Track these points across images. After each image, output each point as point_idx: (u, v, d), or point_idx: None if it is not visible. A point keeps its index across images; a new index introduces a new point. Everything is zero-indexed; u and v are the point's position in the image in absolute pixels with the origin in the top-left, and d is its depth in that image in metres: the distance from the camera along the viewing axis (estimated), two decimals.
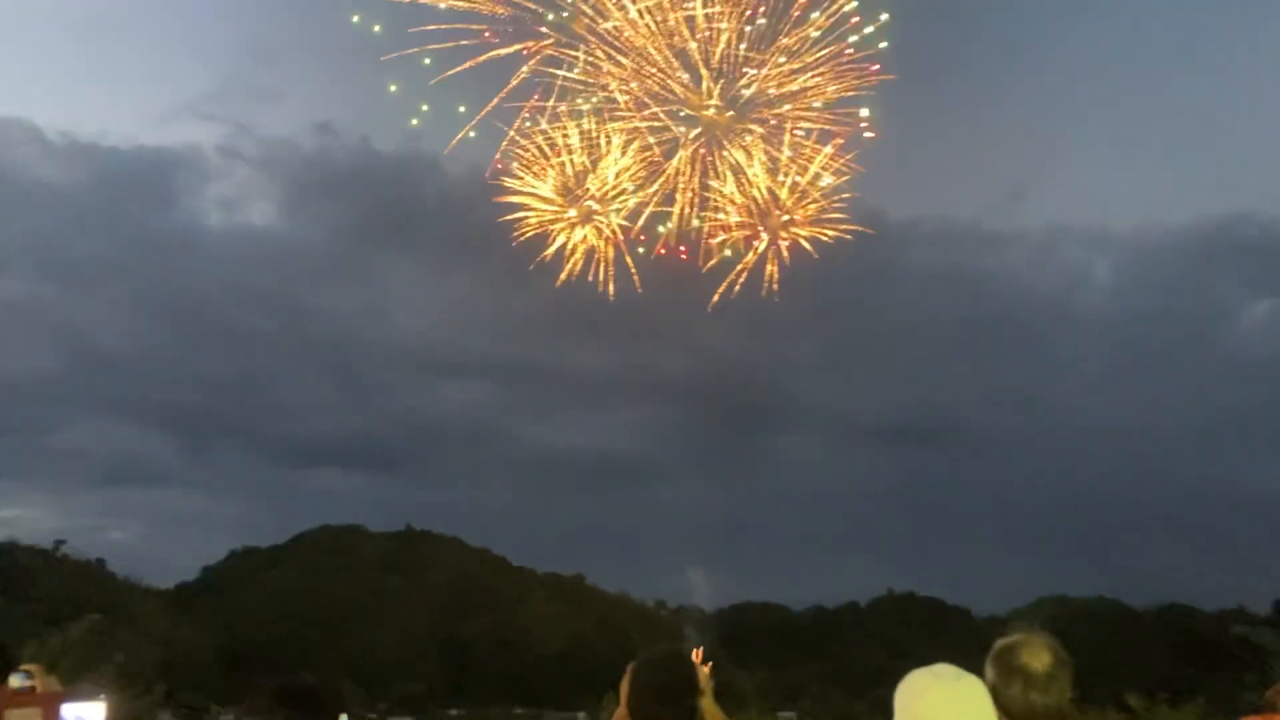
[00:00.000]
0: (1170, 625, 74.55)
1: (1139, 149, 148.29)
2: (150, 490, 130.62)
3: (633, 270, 15.02)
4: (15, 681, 6.19)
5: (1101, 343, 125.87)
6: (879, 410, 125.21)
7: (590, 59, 13.54)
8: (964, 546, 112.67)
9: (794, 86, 14.09)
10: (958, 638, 65.50)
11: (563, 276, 14.92)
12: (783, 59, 13.72)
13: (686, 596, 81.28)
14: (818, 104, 14.14)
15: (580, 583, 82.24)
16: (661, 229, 14.40)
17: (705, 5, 13.31)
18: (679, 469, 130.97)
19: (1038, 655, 3.12)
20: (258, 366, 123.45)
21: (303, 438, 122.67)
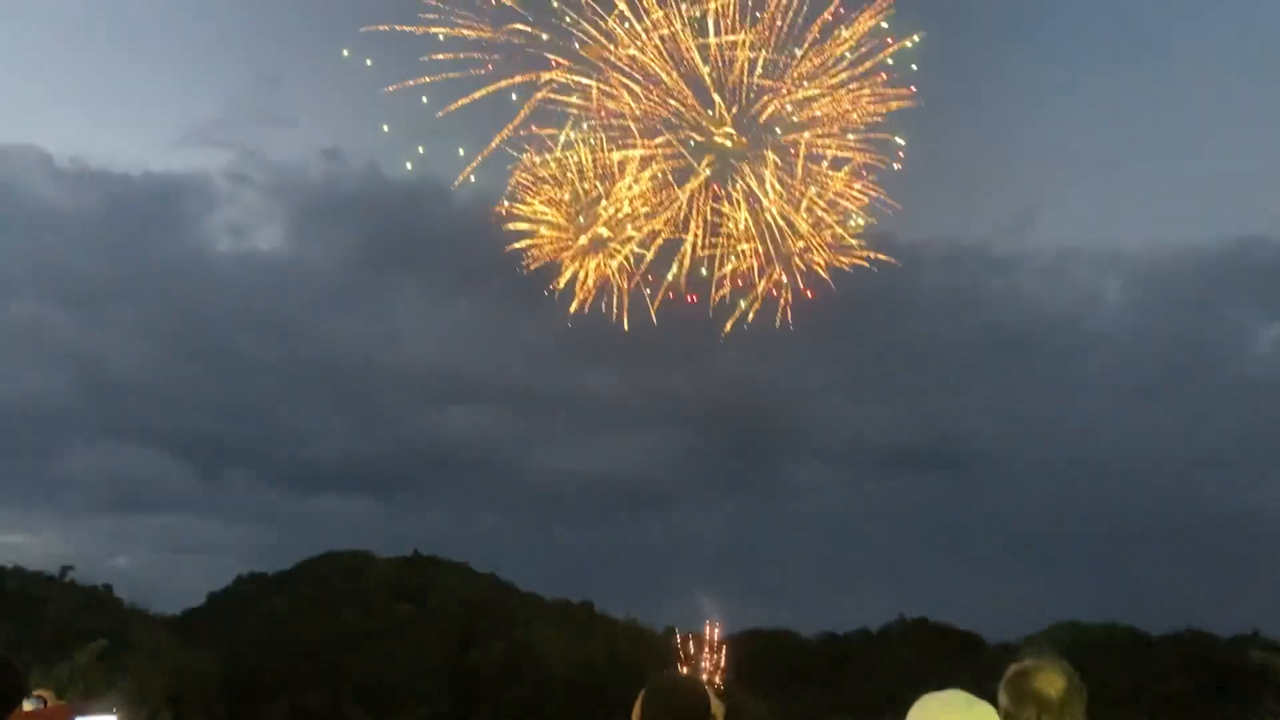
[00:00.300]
0: (1185, 651, 73.62)
1: (1149, 170, 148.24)
2: (157, 516, 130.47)
3: (648, 303, 15.02)
4: (28, 706, 6.20)
5: (1113, 365, 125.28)
6: (888, 434, 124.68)
7: (603, 87, 13.59)
8: (976, 571, 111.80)
9: (816, 112, 14.09)
10: (970, 664, 64.87)
11: (574, 307, 14.95)
12: (806, 83, 13.71)
13: (697, 623, 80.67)
14: (849, 135, 14.10)
15: (589, 609, 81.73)
16: (669, 276, 14.42)
17: (720, 33, 13.34)
18: (688, 495, 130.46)
19: (1051, 681, 3.10)
20: (266, 392, 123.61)
21: (310, 463, 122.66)
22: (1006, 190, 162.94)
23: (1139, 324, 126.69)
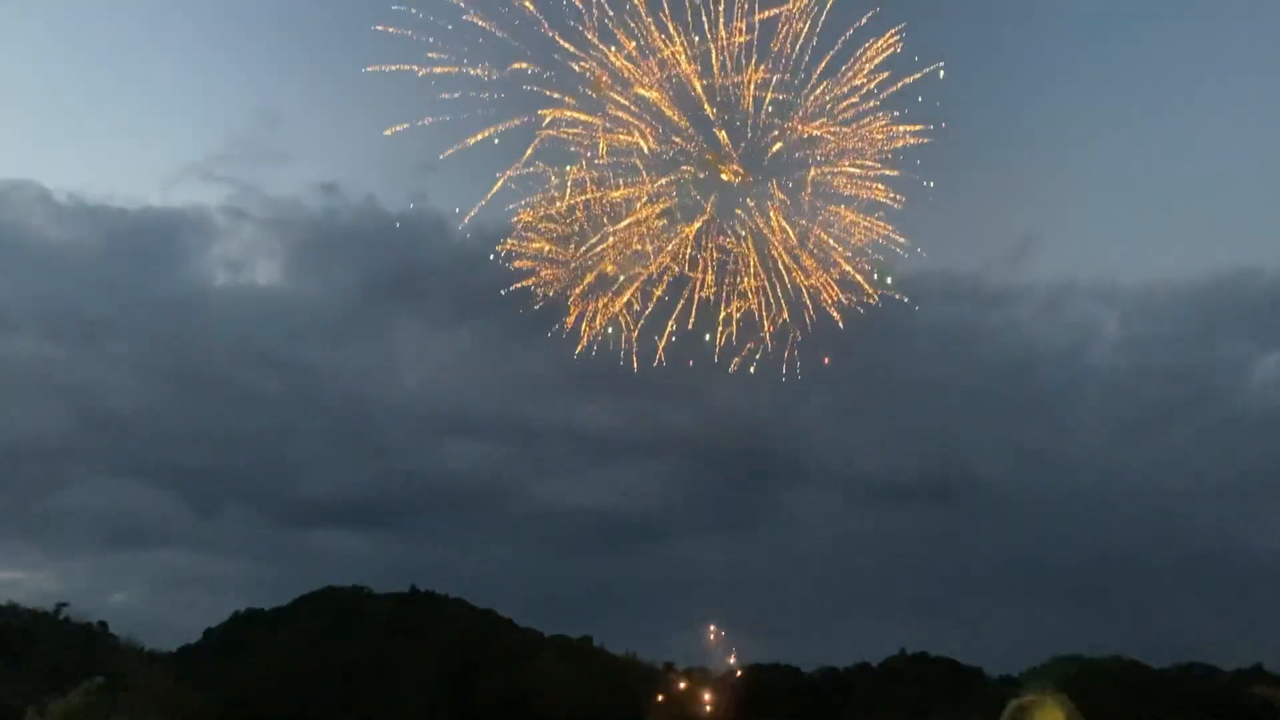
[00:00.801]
0: (1188, 685, 73.19)
1: (1146, 202, 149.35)
2: (153, 551, 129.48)
3: (655, 341, 15.08)
4: None
5: (1111, 398, 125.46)
6: (888, 467, 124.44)
7: (607, 125, 13.75)
8: (976, 605, 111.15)
9: (825, 148, 14.20)
10: (971, 698, 64.43)
11: (581, 347, 15.01)
12: (821, 117, 13.83)
13: (697, 658, 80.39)
14: (859, 171, 14.20)
15: (588, 644, 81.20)
16: (675, 314, 14.44)
17: (727, 70, 13.48)
18: (687, 528, 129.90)
19: (1051, 715, 3.22)
20: (263, 426, 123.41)
21: (308, 498, 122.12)
22: (1002, 222, 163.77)
23: (1137, 356, 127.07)
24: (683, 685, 75.54)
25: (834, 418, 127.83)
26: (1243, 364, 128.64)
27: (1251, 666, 75.77)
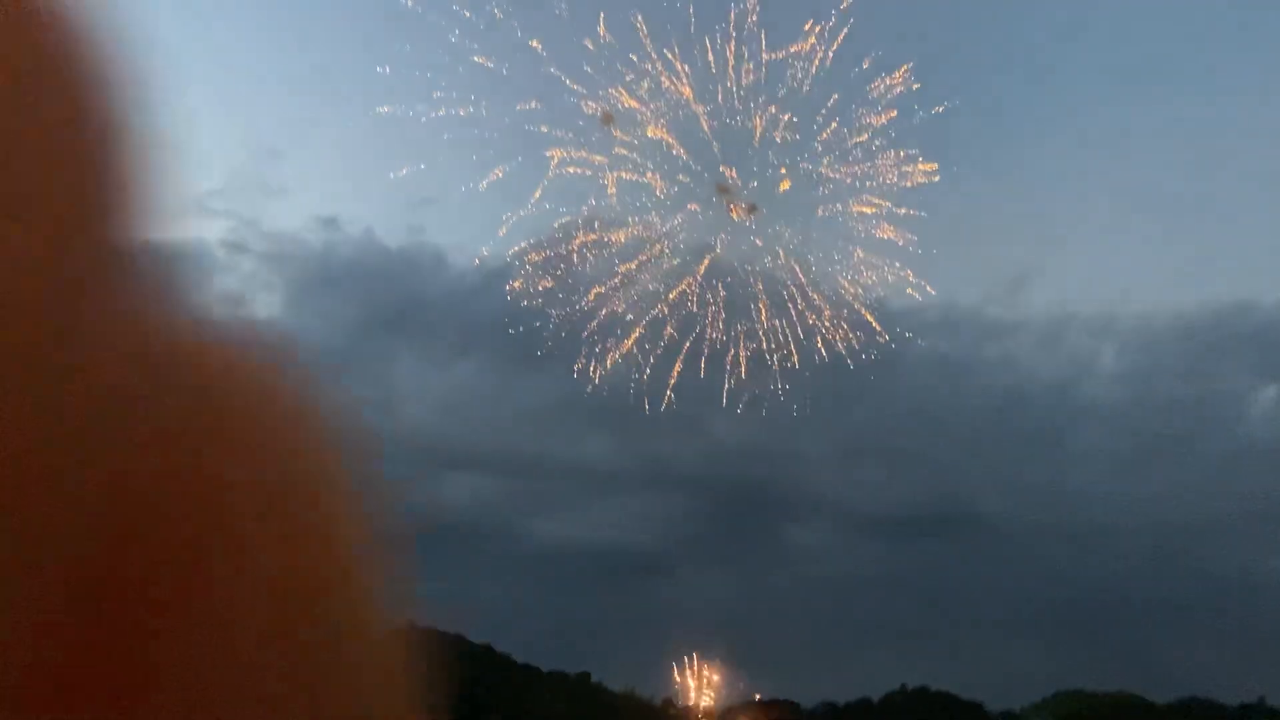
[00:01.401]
0: (1191, 719, 72.79)
1: (1143, 234, 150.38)
2: None
3: (668, 381, 15.25)
4: None
5: (1110, 431, 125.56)
6: (887, 501, 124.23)
7: (618, 165, 14.03)
8: (977, 639, 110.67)
9: (835, 185, 14.42)
10: None
11: (591, 388, 15.21)
12: (830, 157, 14.06)
13: (696, 693, 79.76)
14: (871, 208, 14.45)
15: (587, 680, 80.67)
16: (682, 353, 14.61)
17: (736, 110, 13.78)
18: (686, 562, 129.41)
19: None
20: None
21: None
22: (999, 255, 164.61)
23: (1135, 389, 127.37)
24: None
25: (834, 452, 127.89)
26: (1242, 396, 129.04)
27: (1255, 701, 75.39)
